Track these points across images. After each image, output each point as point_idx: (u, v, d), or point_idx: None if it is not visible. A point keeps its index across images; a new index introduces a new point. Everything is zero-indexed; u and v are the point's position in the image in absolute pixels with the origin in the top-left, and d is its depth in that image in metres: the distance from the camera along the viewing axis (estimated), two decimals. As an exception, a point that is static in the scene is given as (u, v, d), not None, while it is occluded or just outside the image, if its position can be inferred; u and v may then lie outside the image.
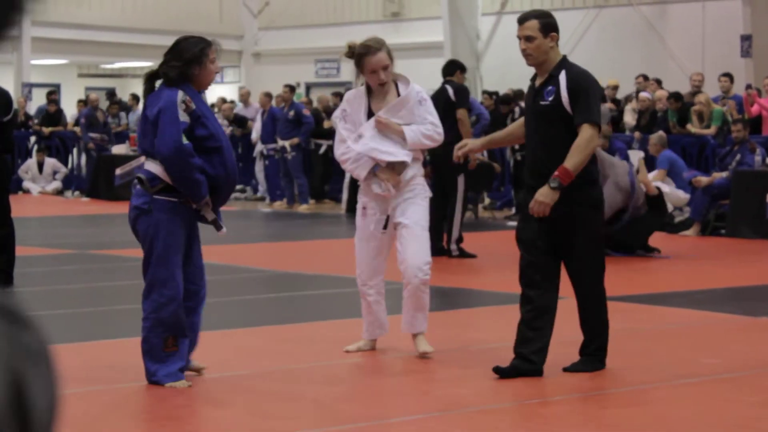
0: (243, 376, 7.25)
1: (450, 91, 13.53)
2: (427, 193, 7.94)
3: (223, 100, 27.38)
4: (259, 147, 22.67)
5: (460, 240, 13.67)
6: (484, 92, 24.10)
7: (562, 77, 7.16)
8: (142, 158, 7.01)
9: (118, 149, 24.30)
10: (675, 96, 19.68)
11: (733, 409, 6.47)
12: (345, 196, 20.62)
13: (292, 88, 22.04)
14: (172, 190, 6.88)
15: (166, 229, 6.86)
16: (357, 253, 7.94)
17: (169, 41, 7.28)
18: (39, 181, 25.52)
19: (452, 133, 12.13)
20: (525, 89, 7.81)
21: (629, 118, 20.71)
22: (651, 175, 16.05)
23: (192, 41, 6.96)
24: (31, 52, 28.44)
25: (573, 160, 7.02)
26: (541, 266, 7.20)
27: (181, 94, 6.85)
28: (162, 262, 6.86)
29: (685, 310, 9.89)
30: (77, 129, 25.67)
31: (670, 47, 24.69)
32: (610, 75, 22.14)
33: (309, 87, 30.68)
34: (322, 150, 22.81)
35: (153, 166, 6.90)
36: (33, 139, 26.61)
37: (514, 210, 19.75)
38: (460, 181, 13.47)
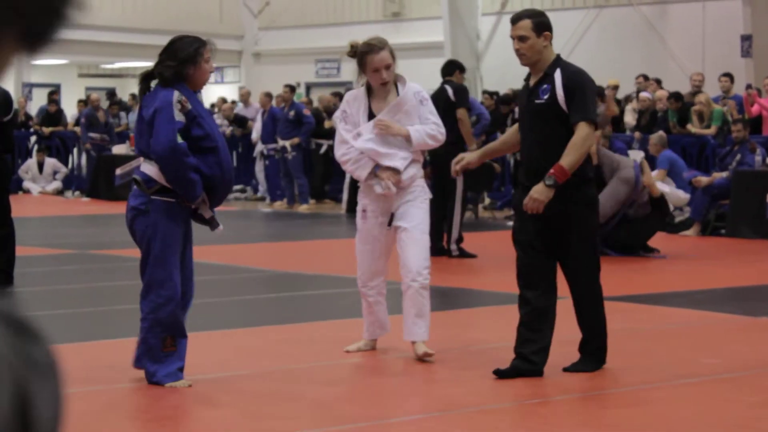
0: (243, 376, 7.24)
1: (449, 91, 13.53)
2: (428, 195, 7.93)
3: (224, 100, 27.38)
4: (260, 147, 22.67)
5: (460, 240, 13.67)
6: (485, 92, 24.10)
7: (557, 75, 7.16)
8: (141, 159, 7.02)
9: (118, 149, 24.30)
10: (675, 96, 19.68)
11: (733, 409, 6.47)
12: (345, 196, 20.61)
13: (292, 88, 22.04)
14: (170, 191, 6.88)
15: (164, 229, 6.87)
16: (357, 255, 7.94)
17: (169, 41, 7.28)
18: (39, 181, 25.52)
19: (452, 133, 12.12)
20: (524, 90, 7.80)
21: (629, 118, 20.71)
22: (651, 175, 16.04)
23: (186, 41, 6.96)
24: (31, 52, 28.39)
25: (569, 158, 7.02)
26: (538, 267, 7.20)
27: (176, 94, 6.85)
28: (160, 263, 6.86)
29: (685, 310, 9.89)
30: (77, 129, 25.67)
31: (670, 47, 24.69)
32: (610, 75, 22.12)
33: (309, 87, 30.68)
34: (323, 150, 22.80)
35: (148, 168, 6.90)
36: (33, 139, 26.62)
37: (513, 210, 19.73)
38: (459, 181, 13.47)
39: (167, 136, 6.78)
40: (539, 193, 7.03)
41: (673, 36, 24.76)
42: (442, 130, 7.88)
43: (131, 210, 6.95)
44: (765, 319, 9.47)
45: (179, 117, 6.82)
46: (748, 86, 20.12)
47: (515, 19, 7.30)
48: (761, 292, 11.11)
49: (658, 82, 21.73)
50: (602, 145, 14.03)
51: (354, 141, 7.78)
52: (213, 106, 27.49)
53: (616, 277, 11.74)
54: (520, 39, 7.21)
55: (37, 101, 28.92)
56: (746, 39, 23.24)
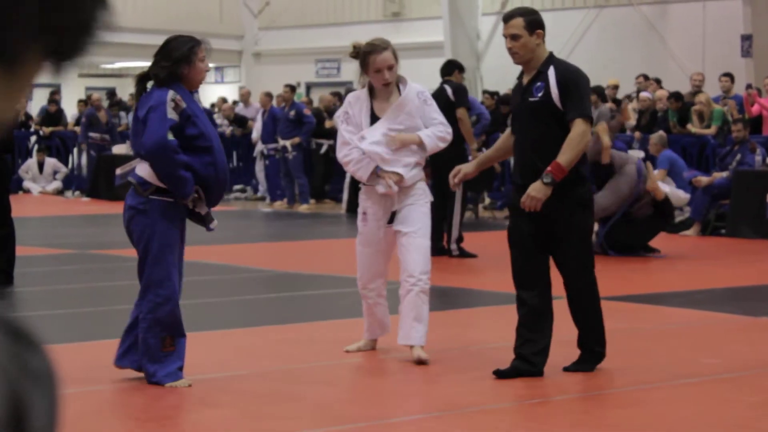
0: (243, 376, 7.24)
1: (449, 90, 13.53)
2: (429, 198, 7.92)
3: (224, 100, 27.38)
4: (260, 147, 22.67)
5: (460, 240, 13.67)
6: (485, 92, 24.09)
7: (551, 73, 7.15)
8: (139, 160, 7.03)
9: (118, 149, 24.29)
10: (675, 96, 19.68)
11: (733, 409, 6.47)
12: (345, 196, 20.61)
13: (292, 88, 22.04)
14: (167, 191, 6.88)
15: (162, 229, 6.87)
16: (358, 257, 7.94)
17: (169, 41, 7.27)
18: (39, 180, 25.51)
19: (453, 133, 12.10)
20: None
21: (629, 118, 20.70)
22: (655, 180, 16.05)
23: (181, 40, 6.95)
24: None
25: (566, 155, 7.01)
26: (533, 267, 7.19)
27: (171, 93, 6.85)
28: (158, 263, 6.87)
29: (685, 310, 9.89)
30: (78, 129, 25.67)
31: (670, 47, 24.69)
32: (610, 75, 22.12)
33: (309, 87, 30.68)
34: (323, 150, 22.80)
35: (143, 170, 6.90)
36: (33, 138, 26.62)
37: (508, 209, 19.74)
38: (460, 181, 13.46)
39: (157, 133, 6.79)
40: (537, 191, 7.03)
41: (674, 36, 24.76)
42: (449, 129, 7.93)
43: (129, 209, 6.95)
44: (765, 319, 9.47)
45: (172, 115, 6.82)
46: (749, 86, 20.12)
47: (507, 18, 7.30)
48: (761, 292, 11.10)
49: (658, 81, 21.73)
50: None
51: (359, 142, 7.77)
52: (213, 106, 27.50)
53: (616, 277, 11.75)
54: (513, 37, 7.20)
55: (38, 101, 28.92)
56: (746, 39, 23.24)
